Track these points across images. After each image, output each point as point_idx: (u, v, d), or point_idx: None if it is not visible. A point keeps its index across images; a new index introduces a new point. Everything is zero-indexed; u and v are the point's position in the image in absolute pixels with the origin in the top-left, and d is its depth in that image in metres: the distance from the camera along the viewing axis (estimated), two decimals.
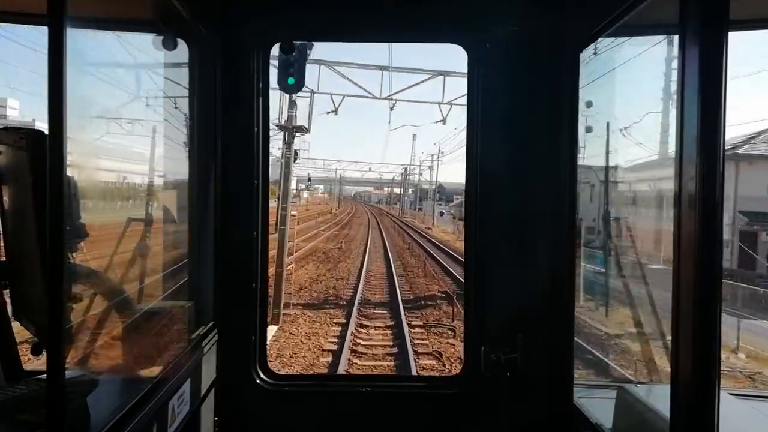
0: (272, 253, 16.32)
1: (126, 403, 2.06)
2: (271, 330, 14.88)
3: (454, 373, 10.70)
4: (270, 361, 3.66)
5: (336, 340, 14.40)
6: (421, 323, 16.54)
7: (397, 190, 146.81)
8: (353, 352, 13.34)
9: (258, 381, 3.22)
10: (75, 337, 2.37)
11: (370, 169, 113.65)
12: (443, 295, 20.32)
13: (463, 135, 3.46)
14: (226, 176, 3.20)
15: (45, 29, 1.55)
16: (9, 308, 2.58)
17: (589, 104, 3.14)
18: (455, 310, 16.97)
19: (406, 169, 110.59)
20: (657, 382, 4.20)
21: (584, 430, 2.68)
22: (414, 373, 11.48)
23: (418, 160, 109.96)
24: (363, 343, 14.14)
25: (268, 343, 3.38)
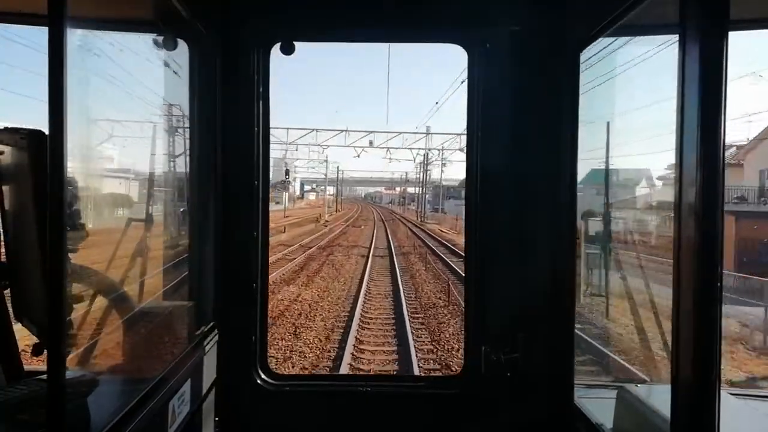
0: None
1: (126, 403, 2.06)
2: None
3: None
4: None
5: None
6: None
7: (410, 190, 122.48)
8: None
9: (258, 381, 3.22)
10: (76, 337, 2.37)
11: (371, 143, 60.50)
12: None
13: None
14: (226, 176, 3.20)
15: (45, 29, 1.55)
16: (10, 308, 2.58)
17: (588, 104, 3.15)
18: None
19: (425, 156, 78.91)
20: (657, 382, 4.20)
21: (585, 430, 2.68)
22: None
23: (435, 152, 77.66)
24: None
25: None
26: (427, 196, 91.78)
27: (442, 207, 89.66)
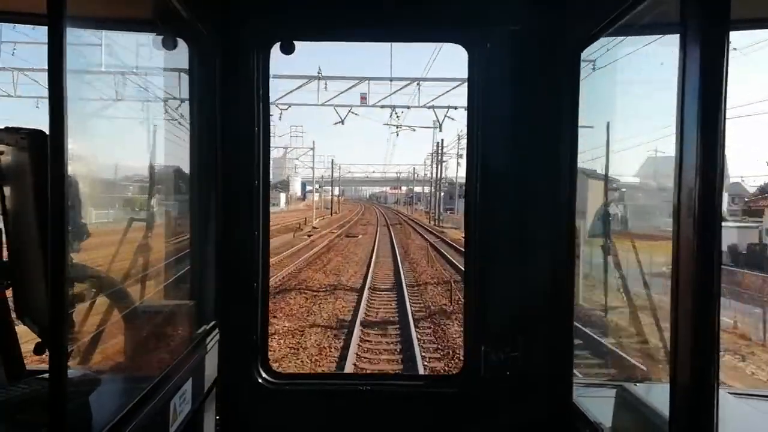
0: None
1: (128, 403, 2.07)
2: None
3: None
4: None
5: None
6: None
7: (418, 189, 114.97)
8: None
9: (259, 380, 3.23)
10: (77, 336, 2.38)
11: (363, 99, 31.78)
12: None
13: None
14: (226, 176, 3.20)
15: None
16: (12, 308, 2.59)
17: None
18: None
19: (440, 144, 63.68)
20: (656, 381, 4.20)
21: (584, 429, 2.68)
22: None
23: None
24: None
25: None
26: (430, 196, 75.34)
27: (457, 207, 76.13)
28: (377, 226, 51.74)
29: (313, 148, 76.93)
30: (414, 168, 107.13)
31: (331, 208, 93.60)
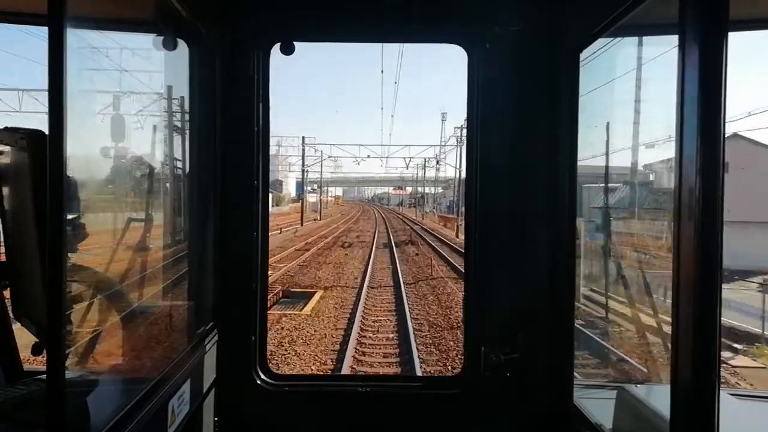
0: None
1: (126, 404, 2.06)
2: None
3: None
4: None
5: None
6: None
7: (427, 190, 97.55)
8: None
9: (258, 381, 3.22)
10: (75, 337, 2.37)
11: None
12: None
13: None
14: (226, 176, 3.20)
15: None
16: (9, 308, 2.58)
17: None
18: None
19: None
20: (657, 382, 4.20)
21: (584, 431, 2.68)
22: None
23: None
24: None
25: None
26: (441, 198, 57.19)
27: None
28: (372, 248, 31.91)
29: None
30: (425, 160, 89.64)
31: (302, 213, 62.82)
